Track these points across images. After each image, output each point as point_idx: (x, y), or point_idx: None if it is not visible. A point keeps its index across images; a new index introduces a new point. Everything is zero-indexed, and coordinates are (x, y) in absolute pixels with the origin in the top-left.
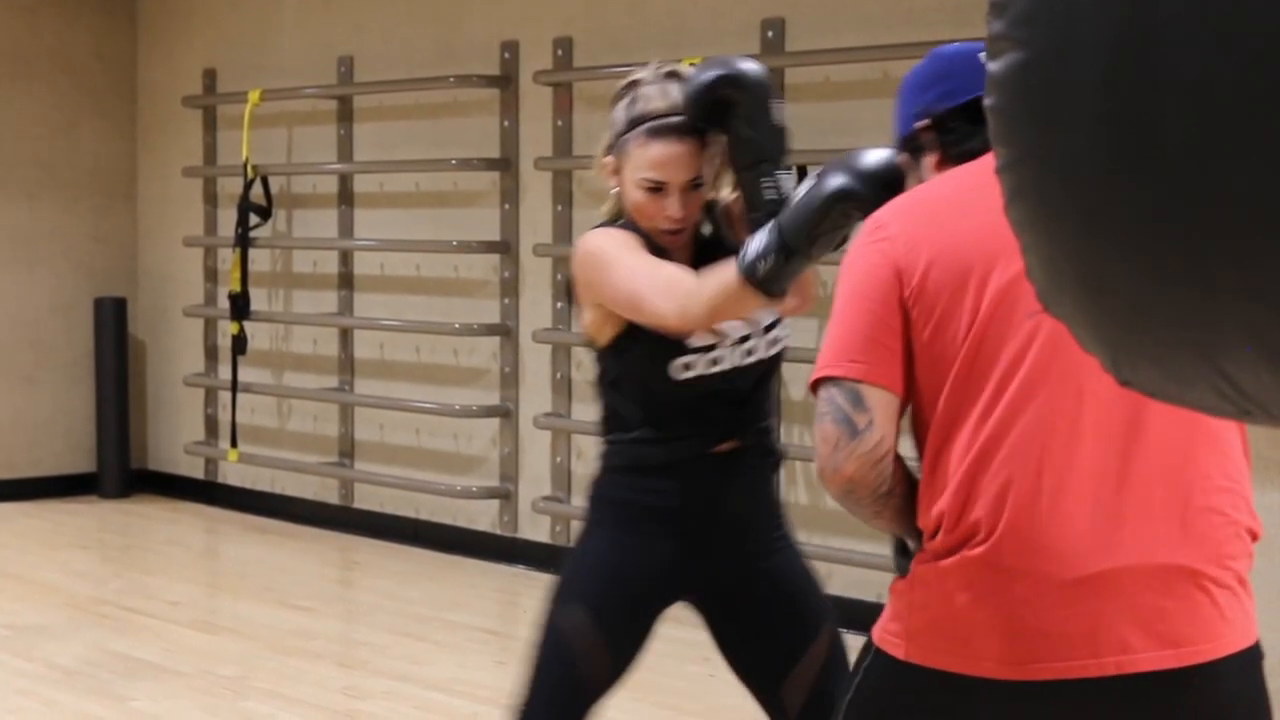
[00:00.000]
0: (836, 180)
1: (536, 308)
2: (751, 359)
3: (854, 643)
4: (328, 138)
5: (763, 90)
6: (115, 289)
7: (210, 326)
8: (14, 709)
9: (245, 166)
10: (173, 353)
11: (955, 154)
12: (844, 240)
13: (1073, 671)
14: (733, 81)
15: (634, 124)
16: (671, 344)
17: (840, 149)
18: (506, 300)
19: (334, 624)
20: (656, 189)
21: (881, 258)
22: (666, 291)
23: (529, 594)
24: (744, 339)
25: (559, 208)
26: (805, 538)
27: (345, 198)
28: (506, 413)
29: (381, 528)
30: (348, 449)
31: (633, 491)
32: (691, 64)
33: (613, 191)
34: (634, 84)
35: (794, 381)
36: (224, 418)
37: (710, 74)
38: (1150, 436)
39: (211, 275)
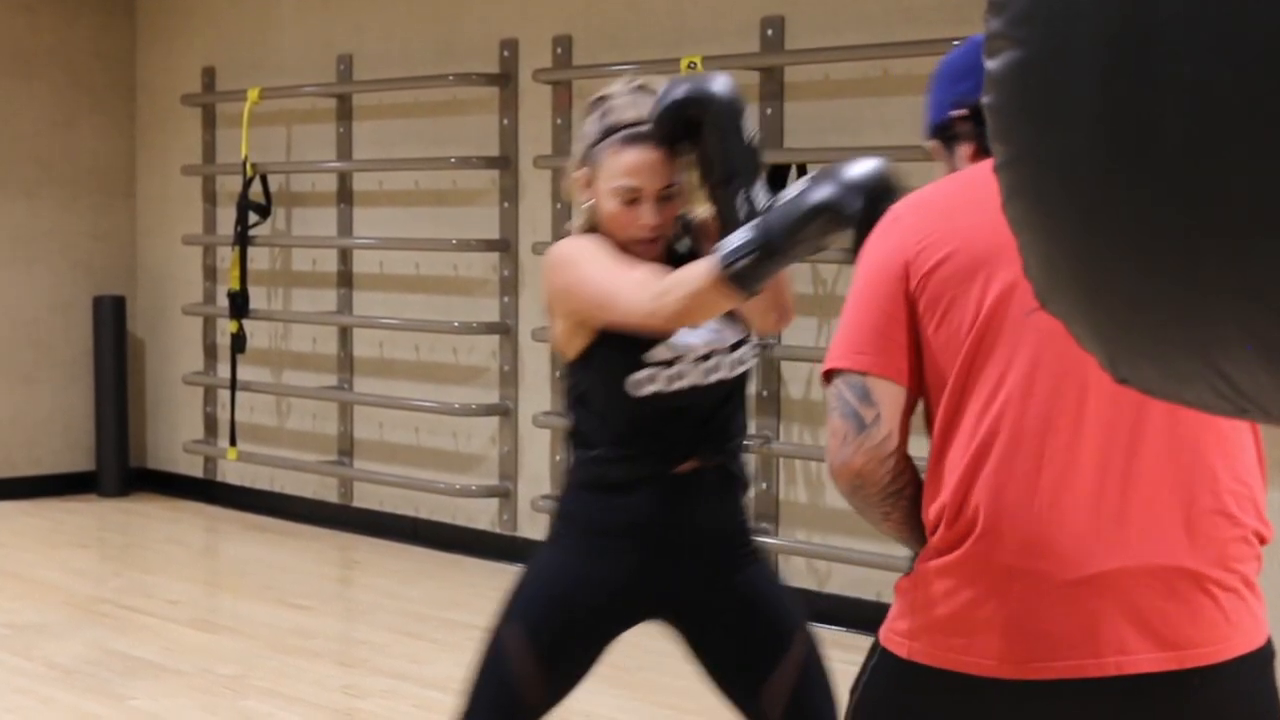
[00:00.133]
0: (824, 192)
1: (536, 306)
2: (713, 378)
3: (853, 642)
4: (327, 136)
5: (733, 108)
6: (114, 287)
7: (209, 325)
8: (13, 707)
9: (244, 165)
10: (172, 351)
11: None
12: (825, 246)
13: (1072, 671)
14: (701, 101)
15: (606, 134)
16: (632, 360)
17: (840, 147)
18: (506, 299)
19: (333, 623)
20: (631, 197)
21: (892, 250)
22: (638, 288)
23: None
24: (706, 356)
25: (558, 206)
26: (805, 537)
27: (344, 196)
28: (506, 411)
29: (381, 526)
30: (347, 447)
31: (593, 509)
32: (691, 63)
33: (585, 205)
34: (603, 98)
35: (793, 380)
36: (223, 416)
37: (678, 93)
38: (1157, 436)
39: (210, 273)
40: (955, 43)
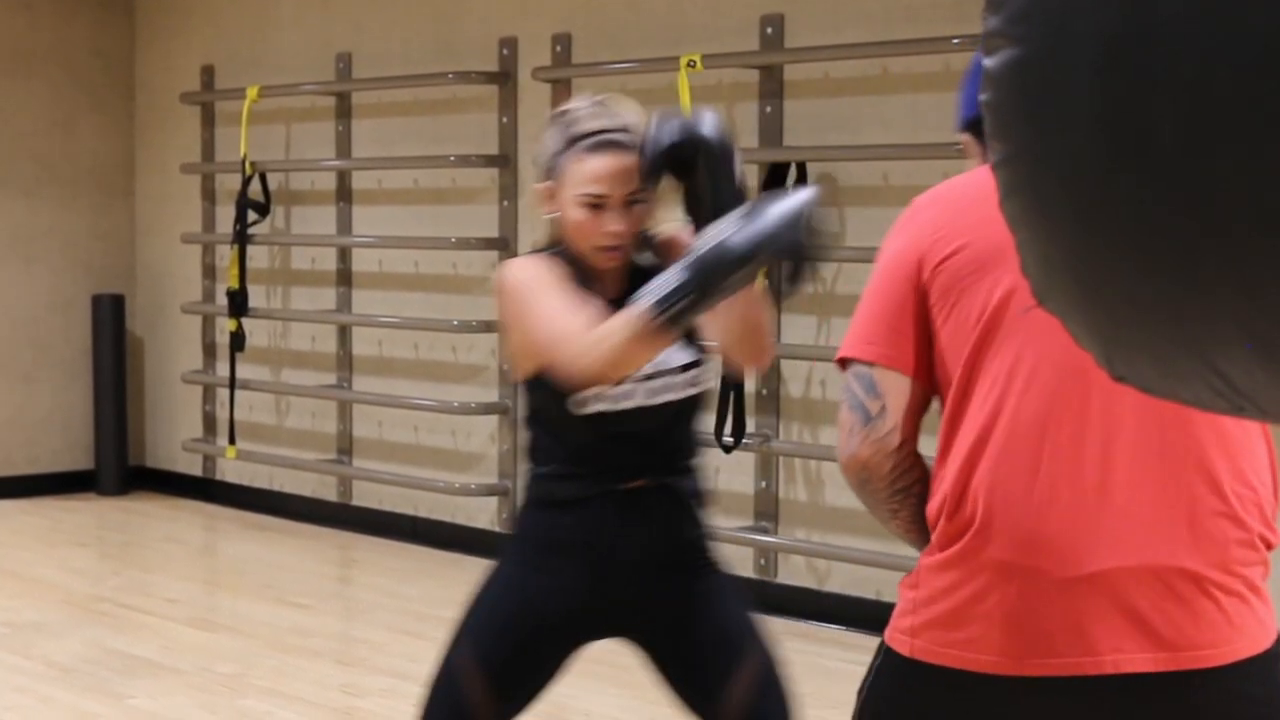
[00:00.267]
0: (755, 235)
1: None
2: (661, 399)
3: (853, 640)
4: (326, 134)
5: (725, 151)
6: (113, 286)
7: (208, 323)
8: (12, 706)
9: (243, 163)
10: (171, 350)
11: None
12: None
13: (1069, 669)
14: (695, 144)
15: (570, 143)
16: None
17: (839, 145)
18: None
19: (332, 621)
20: (597, 204)
21: (907, 243)
22: (575, 339)
23: None
24: (649, 377)
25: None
26: (805, 535)
27: (343, 194)
28: (505, 409)
29: (380, 525)
30: (346, 446)
31: (543, 526)
32: (690, 60)
33: (548, 217)
34: (564, 112)
35: (793, 379)
36: (222, 415)
37: (672, 135)
38: (1161, 436)
39: (210, 272)
40: (955, 41)
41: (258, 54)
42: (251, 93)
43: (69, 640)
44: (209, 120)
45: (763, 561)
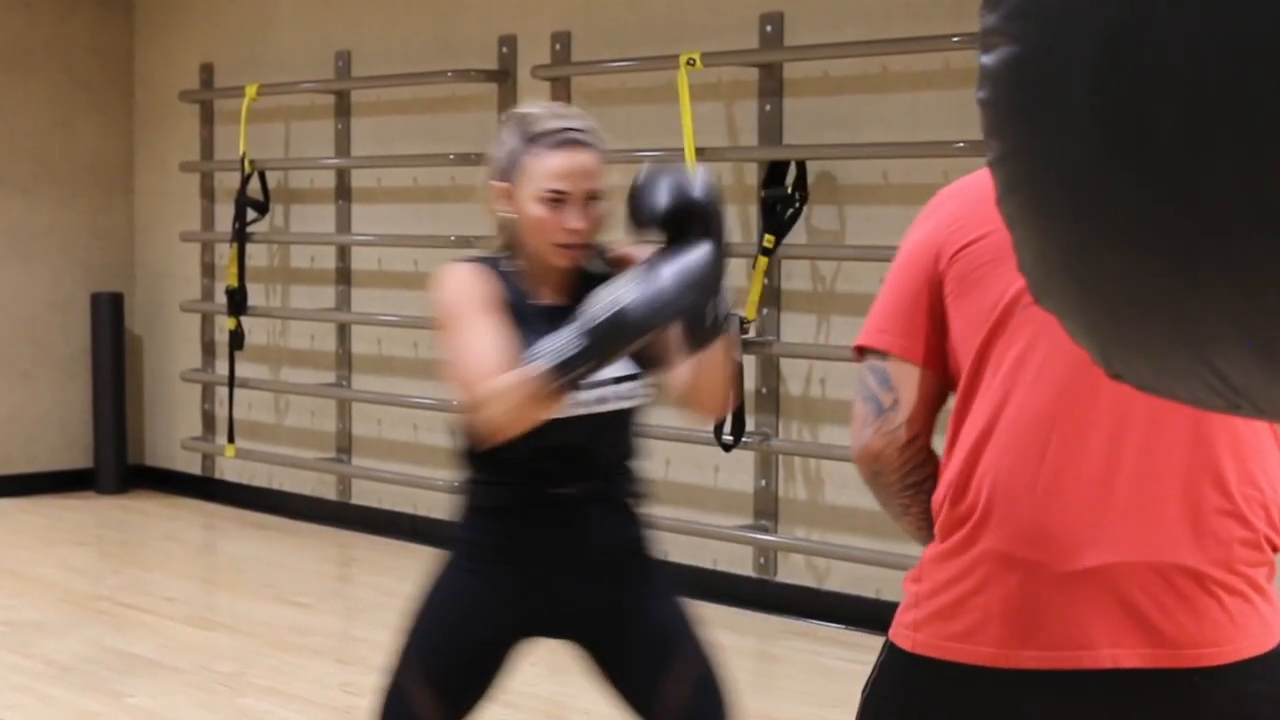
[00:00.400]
0: (649, 308)
1: None
2: (593, 410)
3: (853, 639)
4: (325, 132)
5: (718, 221)
6: (112, 284)
7: (207, 322)
8: (11, 705)
9: (242, 161)
10: (170, 348)
11: None
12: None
13: (1067, 662)
14: (692, 212)
15: (531, 140)
16: None
17: (839, 143)
18: None
19: (332, 620)
20: (558, 200)
21: (928, 234)
22: (480, 385)
23: None
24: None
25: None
26: (804, 534)
27: (343, 193)
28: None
29: (379, 523)
30: (345, 444)
31: (475, 533)
32: (690, 59)
33: (503, 216)
34: (520, 114)
35: (792, 377)
36: (221, 413)
37: (668, 200)
38: (1171, 434)
39: (209, 270)
40: (954, 39)
41: (257, 52)
42: (250, 91)
43: (68, 639)
44: (208, 118)
45: (762, 560)
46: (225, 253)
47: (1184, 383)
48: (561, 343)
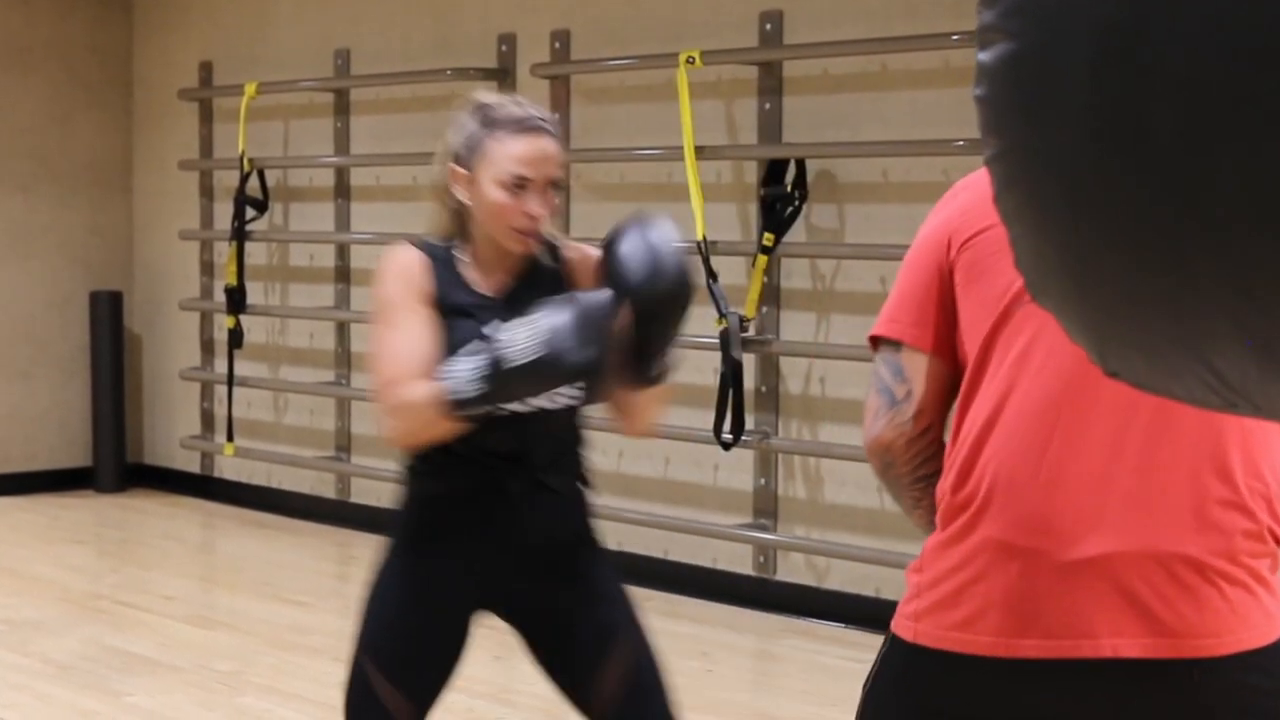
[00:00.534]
0: (542, 362)
1: None
2: (531, 406)
3: (853, 638)
4: (324, 131)
5: (686, 303)
6: (111, 282)
7: (206, 320)
8: (9, 704)
9: (241, 159)
10: (169, 346)
11: None
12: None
13: (1067, 651)
14: (675, 297)
15: (492, 126)
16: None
17: (838, 142)
18: None
19: (331, 619)
20: (519, 185)
21: (940, 224)
22: (394, 391)
23: None
24: None
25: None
26: (804, 532)
27: (342, 191)
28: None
29: (378, 522)
30: (344, 443)
31: (414, 520)
32: (689, 57)
33: (460, 200)
34: (479, 103)
35: (792, 376)
36: (220, 412)
37: (665, 280)
38: (1177, 425)
39: (208, 269)
40: (954, 37)
41: (256, 50)
42: (250, 89)
43: (67, 638)
44: (207, 116)
45: (762, 559)
46: (224, 251)
47: (1181, 381)
48: (465, 374)
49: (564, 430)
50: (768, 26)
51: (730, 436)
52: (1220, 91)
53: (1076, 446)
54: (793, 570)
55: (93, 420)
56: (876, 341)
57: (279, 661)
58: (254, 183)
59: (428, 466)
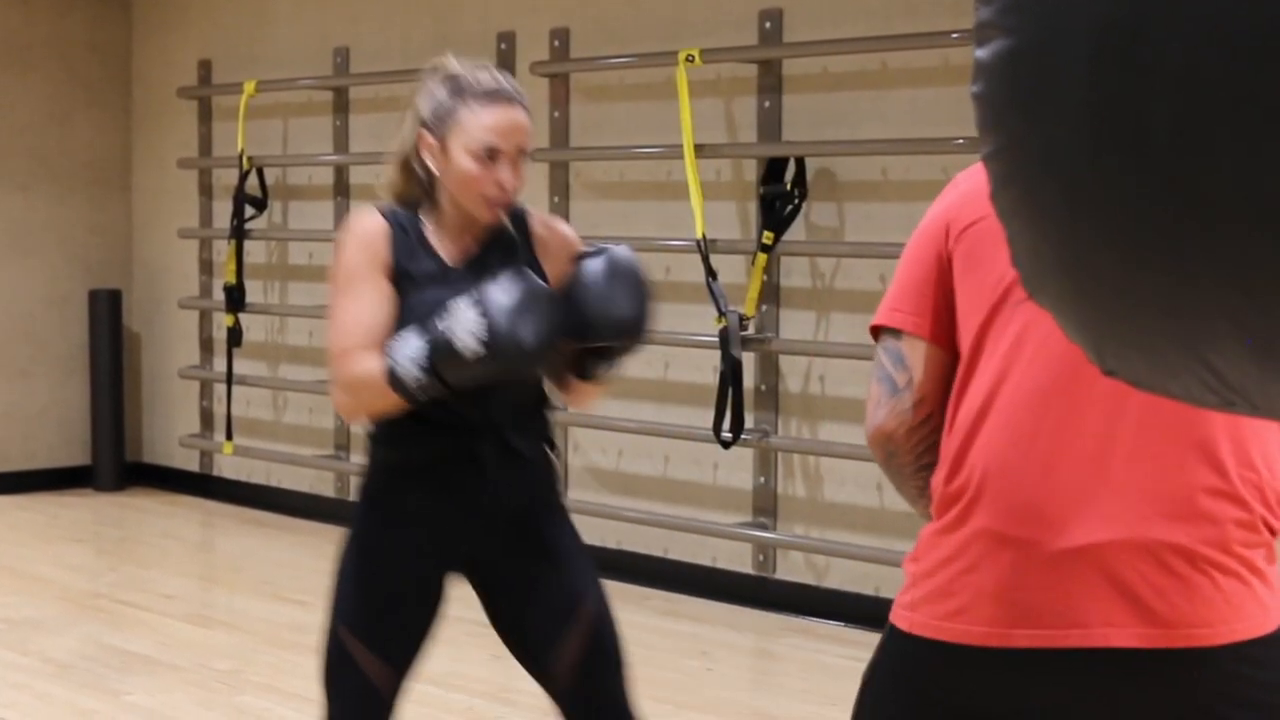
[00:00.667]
0: (483, 346)
1: None
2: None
3: (853, 637)
4: (323, 129)
5: (640, 338)
6: (110, 281)
7: (205, 319)
8: (8, 703)
9: (240, 158)
10: (168, 345)
11: None
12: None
13: (1057, 640)
14: (637, 331)
15: (464, 96)
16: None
17: (838, 140)
18: None
19: None
20: (491, 155)
21: (940, 212)
22: (345, 364)
23: None
24: None
25: (555, 199)
26: (804, 531)
27: (341, 189)
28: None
29: None
30: (343, 442)
31: (379, 487)
32: (689, 55)
33: (429, 168)
34: (444, 69)
35: (792, 375)
36: (219, 410)
37: (634, 315)
38: (1167, 415)
39: (207, 267)
40: (954, 36)
41: (255, 48)
42: (249, 87)
43: (66, 637)
44: (206, 115)
45: (761, 557)
46: (223, 249)
47: (1179, 379)
48: (410, 357)
49: (528, 394)
50: (767, 25)
51: (730, 435)
52: (1219, 89)
53: (1067, 436)
54: (792, 569)
55: (92, 419)
56: (878, 332)
57: (278, 660)
58: (253, 181)
59: (392, 432)
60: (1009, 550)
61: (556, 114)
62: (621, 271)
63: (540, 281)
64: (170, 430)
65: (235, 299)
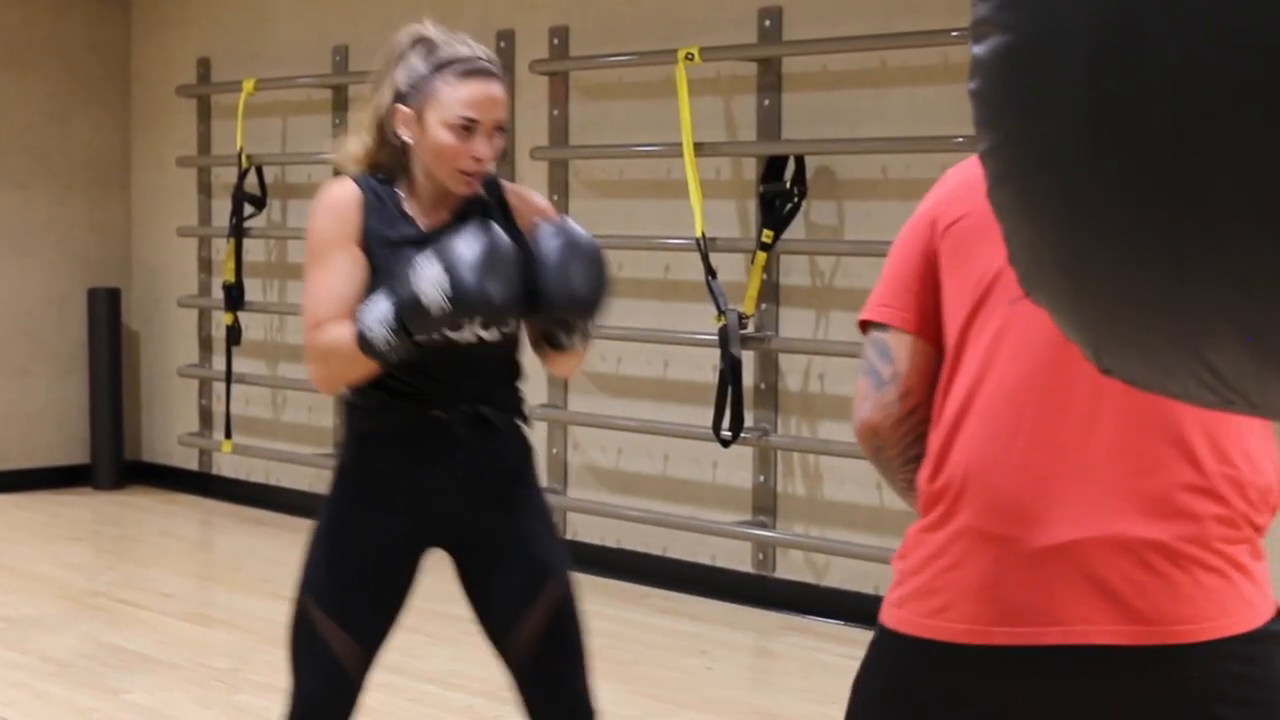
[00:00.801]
0: (448, 299)
1: None
2: (453, 335)
3: (852, 635)
4: (322, 127)
5: (596, 313)
6: (109, 279)
7: (204, 317)
8: (7, 702)
9: (239, 156)
10: (167, 344)
11: None
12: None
13: (1037, 638)
14: (591, 309)
15: (440, 67)
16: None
17: (837, 138)
18: None
19: None
20: (467, 128)
21: (927, 207)
22: (317, 335)
23: None
24: None
25: (555, 197)
26: (804, 530)
27: None
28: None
29: None
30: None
31: (354, 458)
32: (689, 53)
33: (403, 138)
34: (420, 38)
35: (791, 373)
36: (218, 409)
37: (591, 292)
38: (1142, 411)
39: (206, 265)
40: (953, 34)
41: (254, 47)
42: (248, 86)
43: (65, 635)
44: (205, 113)
45: (761, 556)
46: (222, 248)
47: (1177, 378)
48: (378, 317)
49: (498, 364)
50: (767, 23)
51: (729, 433)
52: (1218, 86)
53: (1047, 433)
54: (792, 567)
55: (91, 417)
56: (866, 327)
57: (277, 659)
58: (252, 179)
59: (365, 402)
60: (991, 548)
61: (556, 112)
62: (577, 247)
63: (503, 234)
64: (169, 429)
65: (234, 297)
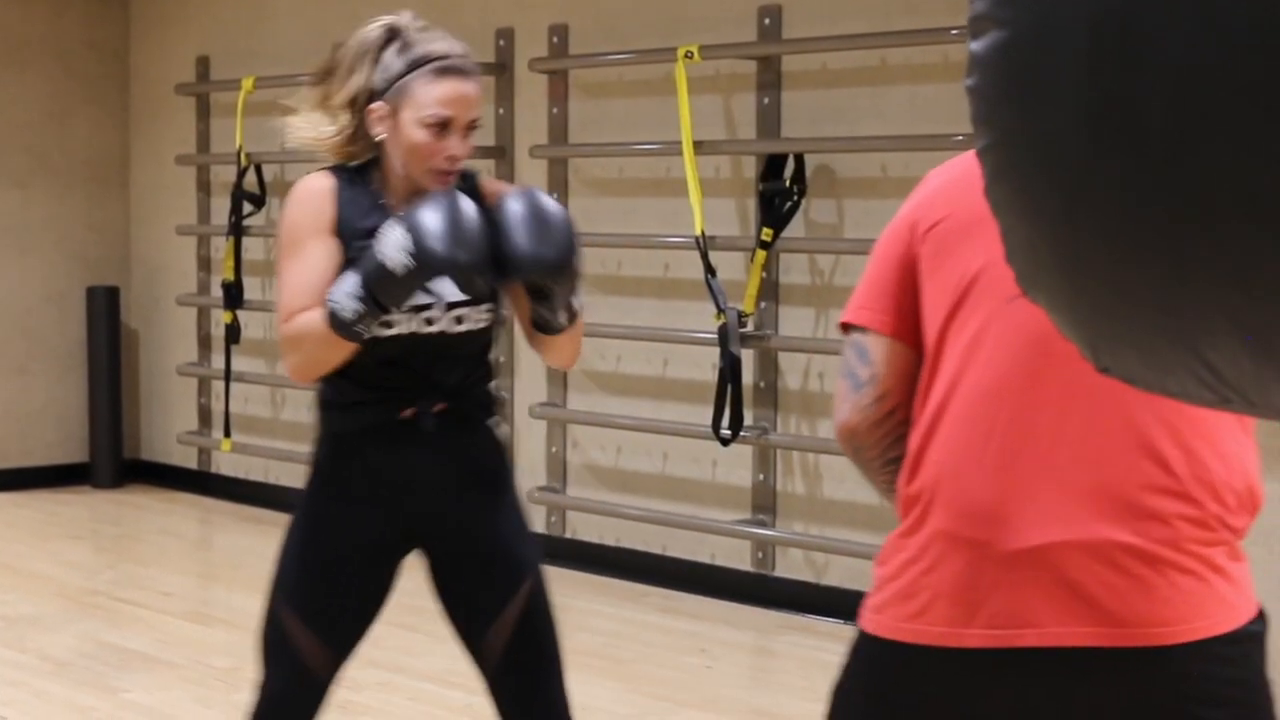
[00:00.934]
0: (413, 262)
1: None
2: (433, 329)
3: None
4: None
5: (575, 277)
6: (108, 278)
7: (203, 315)
8: (6, 700)
9: (239, 154)
10: (166, 342)
11: None
12: None
13: (1011, 640)
14: (563, 269)
15: (415, 65)
16: None
17: (837, 137)
18: None
19: None
20: (441, 126)
21: (908, 210)
22: (291, 326)
23: None
24: (421, 308)
25: (554, 196)
26: (803, 529)
27: None
28: (501, 402)
29: None
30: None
31: (327, 458)
32: (688, 52)
33: (380, 138)
34: (394, 31)
35: (791, 372)
36: (217, 407)
37: (555, 253)
38: (1110, 415)
39: (205, 264)
40: (953, 32)
41: (253, 45)
42: (247, 84)
43: (63, 634)
44: (204, 112)
45: (760, 555)
46: (221, 246)
47: (1175, 377)
48: (345, 290)
49: (469, 359)
50: (766, 21)
51: (729, 432)
52: (1215, 82)
53: (1020, 437)
54: (791, 566)
55: (89, 416)
56: (846, 329)
57: None
58: (251, 178)
59: (337, 399)
60: (965, 551)
61: (555, 110)
62: (541, 210)
63: (468, 199)
64: (168, 427)
65: (233, 296)
